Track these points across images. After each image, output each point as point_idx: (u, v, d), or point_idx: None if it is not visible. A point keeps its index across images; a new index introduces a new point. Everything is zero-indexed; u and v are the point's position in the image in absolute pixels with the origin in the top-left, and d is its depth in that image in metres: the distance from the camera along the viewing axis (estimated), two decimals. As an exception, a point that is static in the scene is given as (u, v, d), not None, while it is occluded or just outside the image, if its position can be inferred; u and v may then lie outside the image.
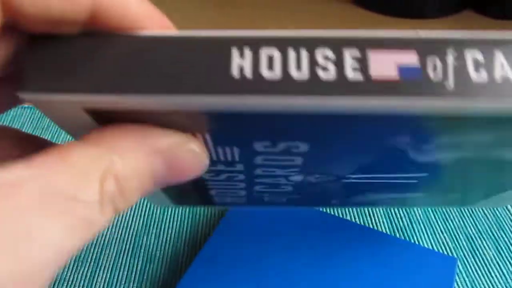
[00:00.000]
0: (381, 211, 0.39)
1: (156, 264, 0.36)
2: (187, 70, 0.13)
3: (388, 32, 0.13)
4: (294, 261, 0.32)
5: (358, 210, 0.39)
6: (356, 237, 0.34)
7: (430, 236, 0.37)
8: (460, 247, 0.36)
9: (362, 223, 0.38)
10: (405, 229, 0.37)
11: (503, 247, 0.36)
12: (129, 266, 0.35)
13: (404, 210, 0.39)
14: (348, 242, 0.34)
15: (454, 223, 0.38)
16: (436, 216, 0.38)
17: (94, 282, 0.34)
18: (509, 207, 0.39)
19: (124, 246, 0.37)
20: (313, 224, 0.35)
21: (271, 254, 0.33)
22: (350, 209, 0.39)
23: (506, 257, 0.35)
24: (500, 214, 0.38)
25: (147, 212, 0.40)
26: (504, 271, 0.34)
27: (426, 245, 0.36)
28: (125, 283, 0.34)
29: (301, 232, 0.34)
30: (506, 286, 0.33)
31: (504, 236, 0.37)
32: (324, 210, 0.37)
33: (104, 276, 0.35)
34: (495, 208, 0.39)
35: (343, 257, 0.32)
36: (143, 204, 0.40)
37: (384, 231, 0.37)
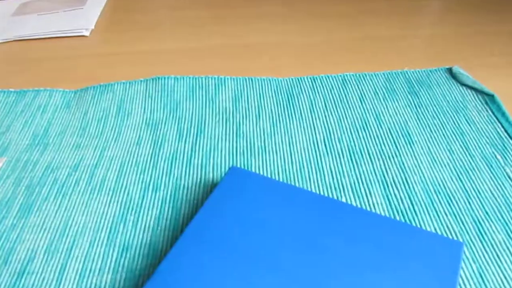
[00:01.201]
0: (379, 191, 0.36)
1: (133, 253, 0.32)
2: None
3: None
4: (286, 247, 0.29)
5: (354, 191, 0.36)
6: (353, 220, 0.31)
7: (434, 220, 0.34)
8: (467, 230, 0.33)
9: (358, 205, 0.35)
10: (406, 212, 0.34)
11: (513, 230, 0.33)
12: (103, 256, 0.32)
13: (404, 191, 0.36)
14: (345, 225, 0.30)
15: (460, 205, 0.35)
16: (440, 198, 0.35)
17: (65, 274, 0.31)
18: (519, 187, 0.36)
19: (99, 235, 0.34)
20: (307, 206, 0.32)
21: (259, 238, 0.29)
22: (345, 190, 0.36)
23: (517, 240, 0.32)
24: (510, 195, 0.35)
25: (124, 198, 0.36)
26: (515, 256, 0.31)
27: (429, 229, 0.33)
28: (98, 274, 0.31)
29: (294, 215, 0.31)
30: (518, 272, 0.30)
31: (514, 218, 0.34)
32: (319, 192, 0.34)
33: (76, 267, 0.31)
34: (505, 189, 0.36)
35: (340, 242, 0.29)
36: (120, 190, 0.37)
37: (383, 214, 0.34)
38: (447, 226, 0.33)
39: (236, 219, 0.31)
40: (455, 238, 0.32)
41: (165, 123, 0.44)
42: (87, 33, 0.61)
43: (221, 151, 0.40)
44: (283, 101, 0.46)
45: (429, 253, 0.28)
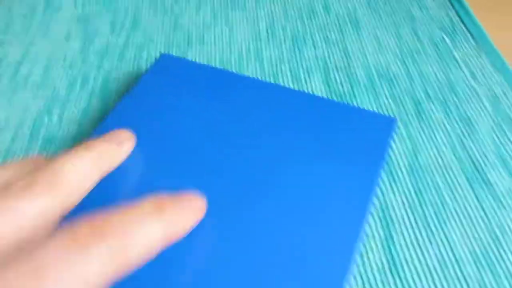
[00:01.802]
0: (319, 76, 0.34)
1: (57, 146, 0.31)
2: None
3: None
4: (214, 133, 0.27)
5: (293, 77, 0.34)
6: (284, 101, 0.29)
7: (373, 101, 0.32)
8: (406, 111, 0.32)
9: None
10: (345, 95, 0.32)
11: (452, 109, 0.32)
12: (25, 150, 0.31)
13: (345, 75, 0.34)
14: (276, 106, 0.29)
15: (401, 87, 0.33)
16: (382, 81, 0.34)
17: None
18: (463, 68, 0.34)
19: (21, 130, 0.32)
20: (240, 90, 0.30)
21: (188, 124, 0.28)
22: (284, 76, 0.34)
23: (454, 118, 0.31)
24: (454, 76, 0.34)
25: (50, 93, 0.34)
26: (451, 132, 0.30)
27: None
28: (20, 166, 0.29)
29: (226, 100, 0.29)
30: (451, 146, 0.30)
31: (455, 99, 0.32)
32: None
33: (-3, 161, 0.30)
34: (449, 71, 0.34)
35: (270, 123, 0.28)
36: (46, 85, 0.34)
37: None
38: (386, 107, 0.32)
39: (164, 106, 0.29)
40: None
41: (97, 17, 0.40)
42: None
43: (157, 44, 0.38)
44: (226, -8, 0.43)
45: (362, 129, 0.27)
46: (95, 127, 0.32)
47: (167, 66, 0.32)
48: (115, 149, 0.22)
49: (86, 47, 0.38)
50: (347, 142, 0.27)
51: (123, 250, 0.17)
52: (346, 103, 0.30)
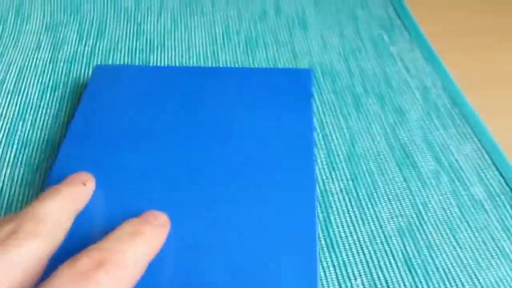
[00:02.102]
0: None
1: (32, 149, 0.34)
2: None
3: None
4: (163, 124, 0.31)
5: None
6: (218, 80, 0.34)
7: (317, 97, 0.36)
8: (346, 104, 0.35)
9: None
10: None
11: (387, 102, 0.36)
12: (1, 154, 0.34)
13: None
14: (210, 86, 0.33)
15: (343, 83, 0.37)
16: (325, 78, 0.37)
17: (-34, 172, 0.32)
18: (398, 62, 0.38)
19: (-2, 135, 0.35)
20: (177, 80, 0.34)
21: (143, 119, 0.31)
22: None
23: (389, 109, 0.35)
24: (390, 71, 0.38)
25: (23, 99, 0.37)
26: (385, 122, 0.34)
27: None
28: (-2, 170, 0.33)
29: (167, 92, 0.33)
30: (384, 135, 0.34)
31: (390, 92, 0.36)
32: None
33: (-24, 166, 0.33)
34: (386, 66, 0.38)
35: (209, 101, 0.32)
36: (18, 92, 0.37)
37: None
38: (328, 102, 0.36)
39: (115, 114, 0.32)
40: (335, 112, 0.35)
41: (65, 26, 0.43)
42: None
43: (121, 50, 0.41)
44: (185, -2, 0.46)
45: (288, 84, 0.33)
46: (65, 131, 0.35)
47: (105, 76, 0.35)
48: (82, 188, 0.26)
49: (55, 55, 0.41)
50: (279, 98, 0.32)
51: (123, 274, 0.20)
52: (268, 67, 0.37)
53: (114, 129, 0.31)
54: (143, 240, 0.22)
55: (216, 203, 0.27)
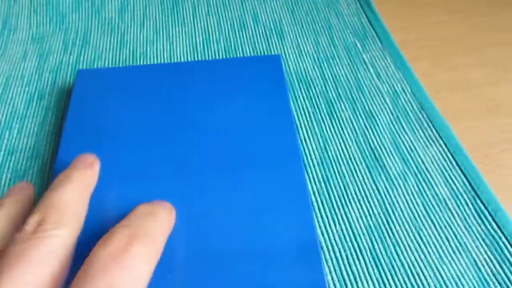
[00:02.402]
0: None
1: (18, 156, 0.35)
2: None
3: None
4: (157, 118, 0.33)
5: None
6: (195, 74, 0.36)
7: (292, 103, 0.38)
8: (320, 111, 0.37)
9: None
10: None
11: (358, 107, 0.37)
12: (-10, 161, 0.35)
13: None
14: (188, 80, 0.36)
15: (317, 89, 0.39)
16: (300, 85, 0.39)
17: (-46, 180, 0.34)
18: (370, 69, 0.40)
19: (-15, 144, 0.36)
20: (159, 77, 0.36)
21: (134, 121, 0.33)
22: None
23: (360, 114, 0.37)
24: (362, 77, 0.39)
25: (10, 109, 0.38)
26: (356, 128, 0.36)
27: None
28: (-14, 177, 0.34)
29: (152, 88, 0.35)
30: (355, 139, 0.35)
31: (362, 97, 0.38)
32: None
33: (-36, 174, 0.34)
34: (358, 73, 0.40)
35: (191, 95, 0.34)
36: (5, 102, 0.39)
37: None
38: (303, 107, 0.37)
39: (106, 115, 0.34)
40: (309, 118, 0.36)
41: (51, 37, 0.45)
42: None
43: (105, 60, 0.42)
44: (167, 9, 0.48)
45: (259, 71, 0.36)
46: (51, 139, 0.36)
47: (89, 79, 0.36)
48: (92, 171, 0.26)
49: (41, 65, 0.42)
50: (254, 84, 0.35)
51: (154, 247, 0.21)
52: (240, 57, 0.39)
53: (105, 127, 0.33)
54: (159, 219, 0.24)
55: (210, 191, 0.29)
